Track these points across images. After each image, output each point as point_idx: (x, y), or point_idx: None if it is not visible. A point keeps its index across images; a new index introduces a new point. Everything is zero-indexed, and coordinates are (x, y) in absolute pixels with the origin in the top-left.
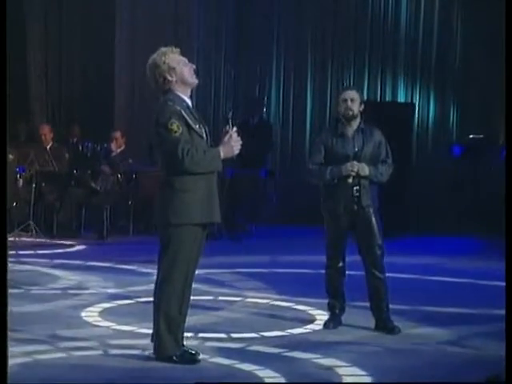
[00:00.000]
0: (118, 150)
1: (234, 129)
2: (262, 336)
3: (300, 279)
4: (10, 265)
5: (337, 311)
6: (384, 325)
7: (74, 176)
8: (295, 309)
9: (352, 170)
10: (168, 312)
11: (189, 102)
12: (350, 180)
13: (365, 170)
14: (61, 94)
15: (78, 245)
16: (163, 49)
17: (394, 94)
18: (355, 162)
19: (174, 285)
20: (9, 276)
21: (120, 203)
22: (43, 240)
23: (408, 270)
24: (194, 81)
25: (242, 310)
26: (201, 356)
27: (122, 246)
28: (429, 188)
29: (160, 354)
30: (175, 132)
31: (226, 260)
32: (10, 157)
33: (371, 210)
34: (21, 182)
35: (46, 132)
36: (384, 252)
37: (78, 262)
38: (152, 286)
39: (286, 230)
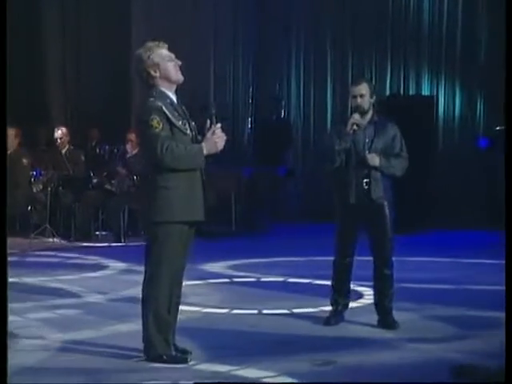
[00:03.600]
0: (134, 152)
1: (218, 125)
2: None
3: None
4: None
5: (340, 307)
6: (386, 321)
7: (90, 179)
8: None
9: (354, 123)
10: (156, 311)
11: (173, 98)
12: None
13: (375, 160)
14: (79, 97)
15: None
16: (149, 43)
17: (418, 86)
18: (356, 116)
19: (161, 284)
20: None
21: (136, 205)
22: (62, 243)
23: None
24: (178, 77)
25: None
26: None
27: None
28: (455, 179)
29: (150, 353)
30: (155, 128)
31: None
32: (24, 161)
33: (384, 203)
34: (38, 186)
35: (62, 135)
36: (394, 247)
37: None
38: None
39: (308, 228)
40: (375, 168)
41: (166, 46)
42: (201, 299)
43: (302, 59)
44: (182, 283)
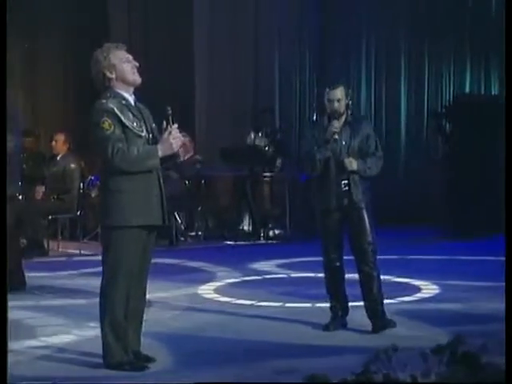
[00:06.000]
0: (186, 156)
1: (175, 125)
2: None
3: None
4: None
5: (339, 313)
6: (379, 323)
7: None
8: None
9: (334, 132)
10: (113, 318)
11: (130, 99)
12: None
13: (352, 164)
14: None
15: None
16: (107, 44)
17: (501, 86)
18: (335, 123)
19: (117, 289)
20: None
21: (188, 209)
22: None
23: None
24: (135, 78)
25: None
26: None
27: (192, 252)
28: None
29: (107, 361)
30: (106, 130)
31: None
32: (73, 166)
33: (362, 205)
34: (95, 191)
35: None
36: (376, 249)
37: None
38: None
39: None
40: (353, 172)
41: (125, 46)
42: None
43: (374, 60)
44: (143, 288)
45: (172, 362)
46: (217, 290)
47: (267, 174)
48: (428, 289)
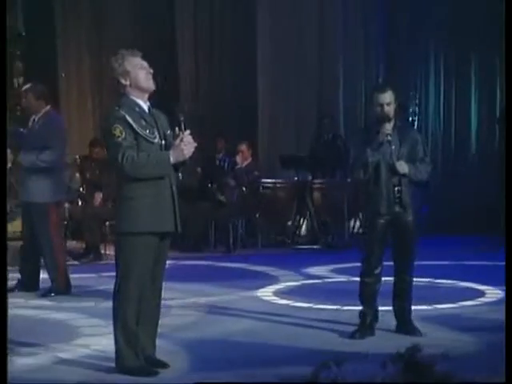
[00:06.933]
0: (244, 163)
1: (187, 132)
2: None
3: None
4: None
5: (368, 320)
6: (405, 327)
7: (203, 190)
8: None
9: (387, 134)
10: (125, 323)
11: (144, 106)
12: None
13: (404, 167)
14: (210, 109)
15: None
16: (122, 51)
17: None
18: (387, 126)
19: (128, 295)
20: None
21: (246, 216)
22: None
23: None
24: (149, 85)
25: None
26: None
27: (252, 257)
28: None
29: (119, 365)
30: (118, 137)
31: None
32: None
33: (410, 211)
34: None
35: None
36: (416, 255)
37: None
38: None
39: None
40: (404, 175)
41: (140, 54)
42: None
43: (442, 64)
44: (158, 293)
45: (189, 367)
46: (276, 293)
47: (326, 181)
48: (492, 293)
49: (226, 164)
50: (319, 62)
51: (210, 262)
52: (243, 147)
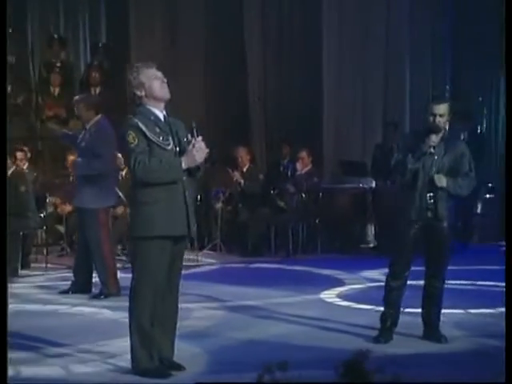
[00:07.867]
0: (304, 170)
1: (199, 138)
2: None
3: None
4: None
5: (388, 324)
6: (433, 333)
7: (264, 195)
8: None
9: (431, 145)
10: (140, 325)
11: (160, 115)
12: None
13: (442, 180)
14: (277, 109)
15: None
16: (137, 64)
17: None
18: (434, 137)
19: (144, 298)
20: None
21: (306, 222)
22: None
23: None
24: (163, 94)
25: None
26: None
27: (314, 261)
28: None
29: (134, 366)
30: (131, 143)
31: None
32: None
33: (445, 222)
34: (218, 203)
35: (243, 154)
36: (449, 261)
37: None
38: None
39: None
40: (441, 188)
41: (155, 65)
42: None
43: None
44: (174, 296)
45: (205, 370)
46: (339, 295)
47: (388, 187)
48: None
49: (289, 170)
50: (385, 69)
51: (277, 266)
52: (303, 154)
